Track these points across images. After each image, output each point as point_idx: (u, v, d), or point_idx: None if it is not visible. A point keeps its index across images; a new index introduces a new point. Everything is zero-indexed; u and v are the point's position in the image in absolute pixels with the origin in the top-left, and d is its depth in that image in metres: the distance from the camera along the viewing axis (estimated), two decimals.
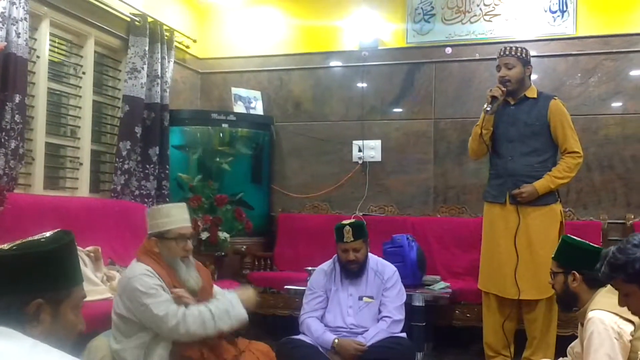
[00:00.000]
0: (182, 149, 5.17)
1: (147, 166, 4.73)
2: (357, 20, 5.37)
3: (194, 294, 2.86)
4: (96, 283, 3.42)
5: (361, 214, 5.22)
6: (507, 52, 3.79)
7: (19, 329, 1.33)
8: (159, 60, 4.79)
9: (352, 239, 3.46)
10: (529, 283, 3.62)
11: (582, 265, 2.52)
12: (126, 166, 4.50)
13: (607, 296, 2.39)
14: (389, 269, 3.60)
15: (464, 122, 5.01)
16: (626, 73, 4.85)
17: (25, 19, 3.62)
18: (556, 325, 3.74)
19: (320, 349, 3.39)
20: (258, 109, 5.56)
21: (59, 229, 1.51)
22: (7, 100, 3.54)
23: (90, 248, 3.57)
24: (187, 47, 5.51)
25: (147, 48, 4.65)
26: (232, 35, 5.75)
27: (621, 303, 2.07)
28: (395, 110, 5.39)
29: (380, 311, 3.52)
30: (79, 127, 4.35)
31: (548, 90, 4.73)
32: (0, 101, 3.53)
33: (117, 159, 4.50)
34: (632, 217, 4.65)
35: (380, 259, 3.70)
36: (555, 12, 4.99)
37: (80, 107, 4.35)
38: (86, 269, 3.41)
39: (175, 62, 5.12)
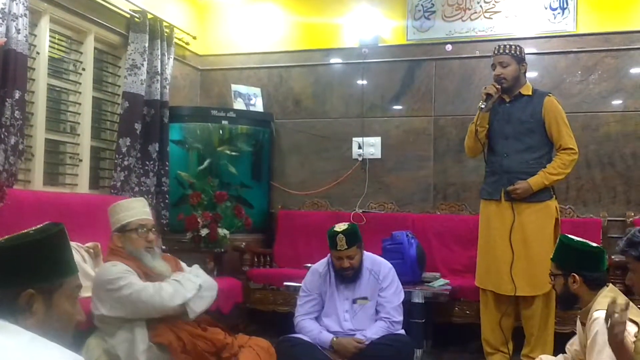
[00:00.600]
0: (181, 145, 5.15)
1: (147, 163, 4.72)
2: (357, 17, 5.37)
3: (165, 278, 2.96)
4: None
5: (361, 211, 5.22)
6: (501, 51, 3.81)
7: (12, 321, 1.34)
8: (159, 57, 4.78)
9: (345, 247, 3.38)
10: (525, 279, 3.63)
11: (581, 267, 2.51)
12: (126, 162, 4.50)
13: (610, 296, 2.38)
14: (385, 267, 3.55)
15: (464, 119, 4.99)
16: (626, 70, 4.85)
17: (25, 15, 3.62)
18: (554, 322, 3.75)
19: (319, 348, 3.38)
20: (258, 105, 5.55)
21: (48, 222, 1.52)
22: (7, 97, 3.53)
23: (89, 244, 3.57)
24: (187, 43, 5.50)
25: (147, 45, 4.65)
26: (232, 32, 5.74)
27: (628, 280, 2.11)
28: (395, 107, 5.39)
29: (377, 312, 3.48)
30: (79, 123, 4.35)
31: (548, 87, 4.74)
32: (0, 97, 3.53)
33: (116, 156, 4.50)
34: (632, 214, 4.65)
35: (376, 256, 3.65)
36: (555, 9, 4.99)
37: (80, 104, 4.35)
38: (85, 265, 3.42)
39: (175, 58, 5.12)
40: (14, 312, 1.38)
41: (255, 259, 5.10)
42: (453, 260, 4.81)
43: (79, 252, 3.45)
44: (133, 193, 4.57)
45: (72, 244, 3.43)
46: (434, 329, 4.33)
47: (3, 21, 3.49)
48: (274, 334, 3.77)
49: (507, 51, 3.78)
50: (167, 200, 4.87)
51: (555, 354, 3.21)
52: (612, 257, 3.59)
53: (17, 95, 3.57)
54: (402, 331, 3.49)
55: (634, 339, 2.34)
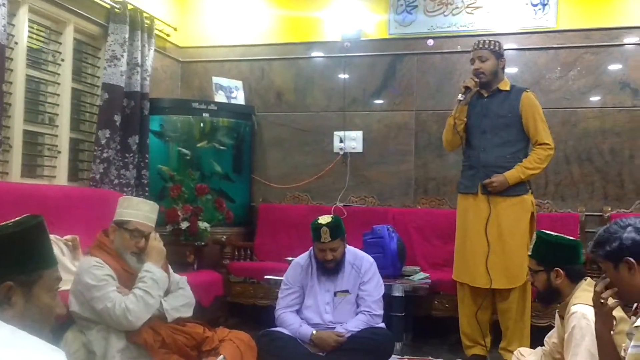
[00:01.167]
0: (161, 137, 5.11)
1: (127, 155, 4.68)
2: (340, 11, 5.36)
3: None
4: (74, 272, 3.35)
5: (342, 204, 5.23)
6: (481, 45, 3.86)
7: None
8: (139, 48, 4.74)
9: (329, 239, 3.39)
10: (500, 272, 3.67)
11: (563, 260, 2.54)
12: (105, 155, 4.45)
13: (588, 290, 2.41)
14: (366, 261, 3.56)
15: (445, 114, 4.94)
16: (606, 67, 4.90)
17: (3, 4, 3.56)
18: (530, 315, 3.79)
19: (299, 341, 3.38)
20: (239, 98, 5.53)
21: (27, 214, 1.51)
22: None
23: (68, 237, 3.53)
24: (168, 35, 5.46)
25: (127, 36, 4.60)
26: (213, 24, 5.70)
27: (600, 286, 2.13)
28: (377, 101, 5.40)
29: (358, 305, 3.50)
30: (58, 114, 4.29)
31: (528, 83, 4.80)
32: None
33: (96, 148, 4.45)
34: (610, 209, 4.71)
35: (357, 250, 3.66)
36: (536, 5, 5.02)
37: (58, 95, 4.29)
38: (64, 257, 3.38)
39: (155, 50, 5.07)
40: None
41: (236, 253, 5.08)
42: (433, 254, 4.83)
43: (57, 244, 3.42)
44: (112, 185, 4.53)
45: (51, 236, 3.41)
46: (414, 322, 4.36)
47: None
48: (255, 327, 3.77)
49: (486, 46, 3.82)
50: (147, 193, 4.83)
51: (532, 347, 3.25)
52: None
53: None
54: (383, 324, 3.50)
55: (612, 332, 2.38)
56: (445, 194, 5.12)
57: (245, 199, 5.48)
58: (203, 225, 4.64)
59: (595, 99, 4.92)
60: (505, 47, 4.60)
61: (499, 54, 3.85)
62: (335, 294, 3.49)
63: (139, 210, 2.93)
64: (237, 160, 5.42)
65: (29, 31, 4.04)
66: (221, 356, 2.77)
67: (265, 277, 4.34)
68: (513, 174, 3.73)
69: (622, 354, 2.01)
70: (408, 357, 3.88)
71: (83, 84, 4.65)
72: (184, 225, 4.55)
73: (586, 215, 4.73)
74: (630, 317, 2.07)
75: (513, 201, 3.76)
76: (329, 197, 5.36)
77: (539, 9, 5.01)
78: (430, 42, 5.23)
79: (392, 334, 3.57)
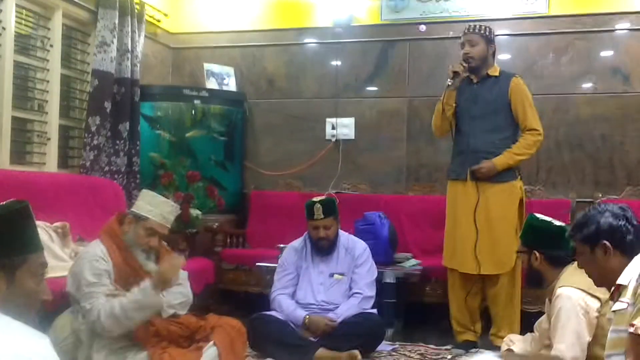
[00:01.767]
0: (152, 123, 5.08)
1: (117, 142, 4.65)
2: None
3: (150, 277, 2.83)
4: (63, 259, 3.37)
5: (334, 191, 5.22)
6: (471, 30, 3.85)
7: None
8: (129, 34, 4.69)
9: (322, 216, 3.48)
10: (488, 258, 3.69)
11: (542, 245, 2.57)
12: (95, 142, 4.43)
13: (574, 273, 2.44)
14: (360, 246, 3.62)
15: (437, 100, 4.98)
16: (597, 52, 4.90)
17: None
18: (520, 301, 3.81)
19: (292, 325, 3.40)
20: (231, 85, 5.50)
21: (12, 199, 1.50)
22: None
23: (57, 224, 3.51)
24: (159, 21, 5.41)
25: (116, 21, 4.55)
26: (204, 10, 5.66)
27: (579, 264, 2.17)
28: (369, 88, 5.38)
29: (350, 288, 3.55)
30: (47, 101, 4.25)
31: (520, 69, 4.78)
32: None
33: (86, 135, 4.42)
34: (600, 195, 4.71)
35: (351, 235, 3.72)
36: None
37: (47, 81, 4.25)
38: (53, 244, 3.37)
39: (146, 36, 5.03)
40: None
41: (228, 240, 5.08)
42: (425, 240, 4.84)
43: (47, 231, 3.40)
44: (103, 173, 4.51)
45: (40, 223, 3.39)
46: (406, 309, 4.37)
47: None
48: (246, 314, 3.76)
49: (476, 30, 3.82)
50: (137, 180, 4.82)
51: (523, 333, 3.27)
52: None
53: None
54: (374, 310, 3.53)
55: (597, 314, 2.40)
56: (437, 180, 5.12)
57: (238, 186, 5.47)
58: (195, 212, 4.62)
59: (586, 85, 4.91)
60: (497, 33, 4.59)
61: (489, 39, 3.85)
62: (331, 275, 3.55)
63: (157, 209, 2.88)
64: (229, 147, 5.39)
65: (17, 17, 4.00)
66: (211, 342, 2.77)
67: (257, 264, 4.34)
68: (501, 160, 3.74)
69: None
70: (399, 343, 3.89)
71: (73, 70, 4.61)
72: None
73: (577, 201, 4.73)
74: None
75: (502, 187, 3.77)
76: (321, 184, 5.35)
77: None
78: (423, 27, 5.21)
79: (383, 319, 3.60)
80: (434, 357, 3.67)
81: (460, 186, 3.86)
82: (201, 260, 4.52)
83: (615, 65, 4.86)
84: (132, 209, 2.93)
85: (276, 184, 5.46)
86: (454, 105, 3.87)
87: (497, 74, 3.86)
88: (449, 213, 3.97)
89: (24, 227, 1.49)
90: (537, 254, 2.64)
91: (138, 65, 4.81)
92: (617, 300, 1.91)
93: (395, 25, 5.29)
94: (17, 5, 3.97)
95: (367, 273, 3.57)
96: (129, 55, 4.70)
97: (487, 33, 3.83)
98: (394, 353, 3.68)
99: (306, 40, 5.51)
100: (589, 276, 2.18)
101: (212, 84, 5.36)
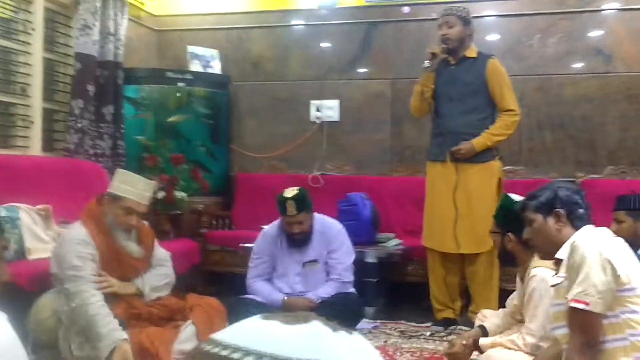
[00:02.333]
0: (136, 105, 5.08)
1: (101, 125, 4.67)
2: None
3: (132, 259, 2.92)
4: (46, 241, 3.41)
5: (319, 173, 5.26)
6: (448, 11, 3.91)
7: None
8: (112, 17, 4.69)
9: (295, 213, 3.46)
10: (468, 237, 3.74)
11: (516, 227, 2.61)
12: (79, 125, 4.44)
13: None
14: (334, 228, 3.63)
15: (415, 87, 5.03)
16: (580, 33, 4.92)
17: None
18: (498, 279, 3.87)
19: (271, 308, 3.44)
20: (216, 68, 5.50)
21: None
22: None
23: (40, 206, 3.54)
24: (142, 4, 5.40)
25: (98, 4, 4.54)
26: None
27: (526, 234, 2.25)
28: (354, 70, 5.40)
29: (328, 273, 3.56)
30: (29, 84, 4.26)
31: (503, 50, 4.81)
32: None
33: (69, 118, 4.44)
34: (582, 174, 4.78)
35: (326, 218, 3.72)
36: None
37: (30, 65, 4.26)
38: (36, 227, 3.40)
39: (129, 19, 5.02)
40: None
41: (214, 222, 5.12)
42: (408, 221, 4.88)
43: (29, 214, 3.43)
44: (88, 156, 4.52)
45: (22, 205, 3.45)
46: (388, 288, 4.43)
47: None
48: (231, 295, 3.81)
49: (453, 12, 3.87)
50: (122, 163, 4.83)
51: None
52: None
53: None
54: (353, 289, 3.57)
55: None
56: (420, 161, 5.11)
57: (223, 169, 5.49)
58: (180, 194, 4.65)
59: (569, 65, 4.94)
60: (480, 13, 4.64)
61: (466, 21, 3.87)
62: (303, 264, 3.55)
63: (135, 188, 2.89)
64: (214, 130, 5.41)
65: None
66: (189, 321, 2.82)
67: (241, 245, 4.39)
68: (480, 141, 3.78)
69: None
70: (380, 321, 3.95)
71: (56, 54, 4.61)
72: (160, 195, 4.55)
73: (559, 180, 4.77)
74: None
75: (480, 167, 3.82)
76: (306, 165, 5.38)
77: None
78: (406, 9, 5.22)
79: (363, 299, 3.64)
80: (413, 334, 3.74)
81: (439, 167, 3.91)
82: (186, 242, 4.56)
83: (597, 46, 4.89)
84: (108, 190, 2.95)
85: (261, 166, 5.49)
86: (432, 87, 3.91)
87: (474, 55, 3.90)
88: (428, 194, 4.02)
89: None
90: (511, 236, 2.68)
91: (121, 48, 4.81)
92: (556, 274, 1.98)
93: (379, 7, 5.30)
94: None
95: (344, 257, 3.58)
96: (112, 38, 4.70)
97: (464, 15, 3.87)
98: (374, 330, 3.75)
99: (291, 22, 5.52)
100: (535, 248, 2.25)
101: (196, 66, 5.36)
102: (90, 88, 4.51)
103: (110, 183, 3.01)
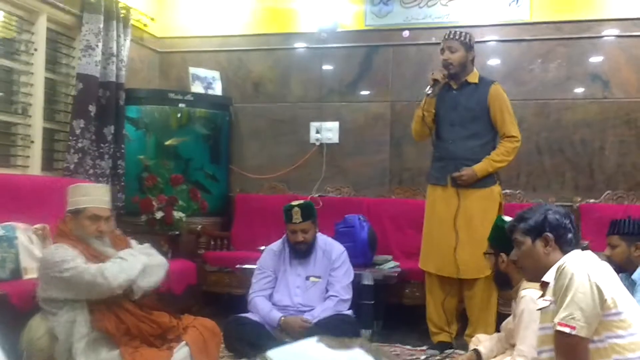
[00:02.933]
0: (137, 125, 5.12)
1: (102, 145, 4.70)
2: (317, 2, 5.38)
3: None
4: None
5: (318, 195, 5.28)
6: (451, 36, 3.89)
7: None
8: (115, 39, 4.74)
9: (300, 220, 3.54)
10: (468, 262, 3.72)
11: (509, 247, 2.62)
12: (80, 145, 4.47)
13: None
14: (337, 249, 3.68)
15: (416, 112, 5.06)
16: (577, 59, 4.95)
17: None
18: (496, 304, 3.86)
19: (267, 327, 3.45)
20: (217, 89, 5.55)
21: None
22: None
23: (37, 226, 3.56)
24: (145, 25, 5.46)
25: (101, 25, 4.60)
26: (191, 14, 5.71)
27: (513, 256, 2.25)
28: (353, 92, 5.44)
29: (327, 290, 3.60)
30: (31, 104, 4.30)
31: (502, 74, 4.85)
32: None
33: (70, 138, 4.47)
34: (579, 199, 4.79)
35: (329, 238, 3.77)
36: None
37: (32, 85, 4.30)
38: (32, 246, 3.41)
39: (132, 40, 5.08)
40: None
41: (212, 242, 5.12)
42: (406, 243, 4.88)
43: (26, 233, 3.44)
44: (87, 175, 4.54)
45: (20, 225, 3.46)
46: (385, 310, 4.42)
47: None
48: (228, 315, 3.80)
49: (456, 37, 3.86)
50: (122, 183, 4.86)
51: None
52: None
53: None
54: (350, 311, 3.57)
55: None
56: (419, 184, 5.16)
57: (223, 189, 5.51)
58: (178, 215, 4.67)
59: (568, 90, 4.97)
60: (479, 39, 4.67)
61: (468, 46, 3.89)
62: (307, 278, 3.60)
63: (91, 196, 2.97)
64: (214, 150, 5.44)
65: (1, 21, 4.05)
66: (183, 342, 2.82)
67: (237, 266, 4.39)
68: (482, 167, 3.79)
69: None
70: (377, 344, 3.92)
71: (57, 74, 4.66)
72: (159, 215, 4.57)
73: (557, 205, 4.77)
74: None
75: (482, 193, 3.82)
76: (306, 187, 5.40)
77: (513, 2, 5.05)
78: (406, 33, 5.27)
79: (359, 321, 3.64)
80: (409, 357, 3.72)
81: (440, 191, 3.91)
82: (183, 262, 4.56)
83: (595, 72, 4.92)
84: (67, 209, 3.00)
85: (261, 187, 5.51)
86: (433, 112, 3.92)
87: (476, 80, 3.91)
88: (427, 217, 4.02)
89: None
90: (504, 257, 2.70)
91: (123, 69, 4.86)
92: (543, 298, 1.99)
93: (379, 31, 5.35)
94: (1, 10, 4.02)
95: (343, 276, 3.62)
96: (114, 59, 4.74)
97: (467, 40, 3.88)
98: None
99: (292, 45, 5.57)
100: (523, 270, 2.26)
101: (197, 87, 5.41)
102: (92, 108, 4.55)
103: (67, 202, 3.05)
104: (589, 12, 4.93)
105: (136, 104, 5.13)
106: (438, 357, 3.70)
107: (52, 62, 4.58)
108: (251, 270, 4.08)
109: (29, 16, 4.30)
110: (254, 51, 5.63)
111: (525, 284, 2.56)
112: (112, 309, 2.82)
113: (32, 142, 4.30)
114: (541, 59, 5.02)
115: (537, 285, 2.47)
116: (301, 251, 3.62)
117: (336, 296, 3.56)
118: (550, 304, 1.99)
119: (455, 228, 3.78)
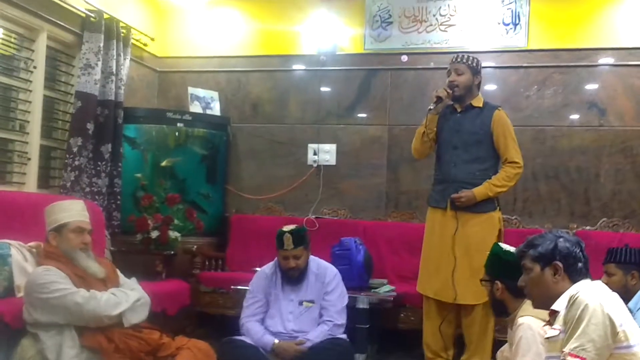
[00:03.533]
0: (135, 145, 5.12)
1: (99, 163, 4.69)
2: (316, 25, 5.43)
3: (99, 280, 3.01)
4: None
5: (314, 216, 5.27)
6: (459, 59, 3.93)
7: None
8: (114, 57, 4.76)
9: (292, 247, 3.48)
10: (466, 288, 3.71)
11: (504, 275, 2.62)
12: (77, 162, 4.46)
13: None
14: (330, 272, 3.63)
15: (418, 129, 5.08)
16: (574, 86, 4.99)
17: None
18: (493, 330, 3.83)
19: (261, 350, 3.42)
20: (215, 109, 5.56)
21: None
22: None
23: (32, 244, 3.52)
24: (145, 45, 5.49)
25: (102, 44, 4.62)
26: (191, 34, 5.75)
27: (521, 281, 2.22)
28: (351, 115, 5.46)
29: (321, 315, 3.55)
30: (28, 121, 4.30)
31: (499, 100, 4.85)
32: None
33: (67, 155, 4.46)
34: (575, 226, 4.79)
35: (322, 261, 3.73)
36: (508, 24, 5.12)
37: (30, 102, 4.30)
38: (27, 264, 3.37)
39: (132, 59, 5.10)
40: None
41: (207, 263, 5.09)
42: (402, 267, 4.87)
43: (20, 251, 3.42)
44: (84, 193, 4.53)
45: (14, 242, 3.44)
46: (381, 334, 4.39)
47: None
48: (222, 337, 3.78)
49: (464, 60, 3.90)
50: (118, 202, 4.85)
51: None
52: None
53: None
54: (344, 335, 3.54)
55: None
56: (416, 208, 5.17)
57: (219, 210, 5.50)
58: (173, 234, 4.65)
59: (563, 117, 5.00)
60: None
61: (475, 70, 3.92)
62: (300, 303, 3.55)
63: (71, 211, 3.09)
64: (211, 170, 5.43)
65: (1, 38, 4.06)
66: None
67: (232, 287, 4.36)
68: (481, 191, 3.79)
69: None
70: None
71: (56, 92, 4.67)
72: (154, 234, 4.55)
73: (559, 230, 4.78)
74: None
75: (481, 218, 3.82)
76: (302, 208, 5.40)
77: (511, 29, 5.10)
78: (405, 58, 5.31)
79: (354, 345, 3.61)
80: None
81: (439, 214, 3.90)
82: (177, 282, 4.53)
83: (591, 100, 4.96)
84: (49, 228, 3.08)
85: (257, 207, 5.50)
86: (434, 129, 3.94)
87: (480, 105, 3.92)
88: (426, 239, 4.01)
89: None
90: (499, 284, 2.69)
91: (122, 87, 4.87)
92: (551, 326, 1.97)
93: (378, 55, 5.39)
94: (1, 27, 4.03)
95: (337, 300, 3.58)
96: (114, 77, 4.76)
97: (474, 64, 3.91)
98: None
99: (291, 67, 5.60)
100: (530, 296, 2.24)
101: (196, 107, 5.42)
102: (90, 126, 4.55)
103: (46, 223, 3.13)
104: (585, 41, 4.98)
105: (134, 122, 5.13)
106: None
107: (51, 80, 4.59)
108: (246, 292, 4.06)
109: (29, 34, 4.32)
110: (253, 72, 5.65)
111: (522, 311, 2.55)
112: (101, 327, 2.84)
113: (29, 159, 4.30)
114: (538, 85, 5.06)
115: (535, 312, 2.47)
116: (293, 277, 3.58)
117: (331, 321, 3.51)
118: (560, 333, 1.96)
119: (454, 252, 3.77)
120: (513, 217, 4.91)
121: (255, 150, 5.59)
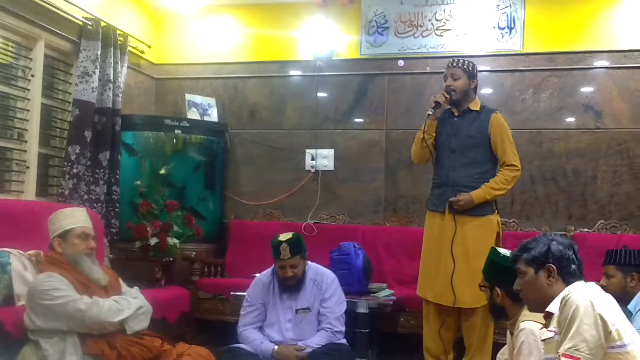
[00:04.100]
0: (133, 152, 5.12)
1: (97, 171, 4.70)
2: (313, 31, 5.45)
3: (102, 288, 3.02)
4: None
5: (312, 221, 5.28)
6: (455, 64, 3.94)
7: None
8: (112, 65, 4.77)
9: (289, 256, 3.44)
10: (465, 291, 3.71)
11: (502, 280, 2.62)
12: (75, 170, 4.47)
13: None
14: (328, 277, 3.61)
15: (415, 133, 5.06)
16: (570, 89, 5.02)
17: None
18: (493, 333, 3.84)
19: (261, 358, 3.41)
20: (213, 116, 5.58)
21: None
22: None
23: (31, 252, 3.53)
24: (142, 52, 5.51)
25: (99, 52, 4.63)
26: (188, 41, 5.77)
27: (517, 286, 2.26)
28: (349, 120, 5.47)
29: (320, 322, 3.53)
30: (27, 130, 4.31)
31: (496, 104, 4.88)
32: None
33: (65, 163, 4.46)
34: (573, 228, 4.80)
35: (320, 266, 3.70)
36: (503, 28, 5.14)
37: (28, 110, 4.31)
38: (26, 272, 3.37)
39: (129, 67, 5.11)
40: None
41: (206, 269, 5.09)
42: (401, 271, 4.88)
43: (20, 259, 3.42)
44: (82, 201, 4.53)
45: (13, 251, 3.44)
46: (380, 339, 4.40)
47: None
48: (222, 343, 3.78)
49: (460, 65, 3.91)
50: (117, 209, 4.85)
51: None
52: None
53: None
54: (344, 340, 3.53)
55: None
56: (414, 212, 5.19)
57: (218, 216, 5.50)
58: (172, 241, 4.65)
59: (559, 120, 5.03)
60: None
61: (471, 74, 3.93)
62: (297, 311, 3.52)
63: (75, 217, 3.12)
64: (209, 177, 5.44)
65: None
66: None
67: (232, 293, 4.36)
68: (479, 194, 3.80)
69: None
70: None
71: (54, 100, 4.67)
72: (153, 241, 4.56)
73: (552, 233, 4.79)
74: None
75: (479, 221, 3.82)
76: (301, 214, 5.41)
77: (506, 33, 5.13)
78: (401, 62, 5.33)
79: (354, 349, 3.61)
80: None
81: (438, 218, 3.91)
82: (176, 289, 4.53)
83: (587, 102, 4.98)
84: (54, 236, 3.10)
85: (256, 213, 5.50)
86: (433, 135, 3.95)
87: (477, 108, 3.94)
88: (425, 243, 4.01)
89: None
90: (499, 291, 2.68)
91: (120, 95, 4.88)
92: (547, 329, 1.98)
93: (374, 60, 5.40)
94: None
95: (336, 306, 3.54)
96: (111, 85, 4.77)
97: (470, 68, 3.92)
98: None
99: (288, 73, 5.62)
100: (525, 300, 2.25)
101: (193, 114, 5.43)
102: (88, 134, 4.56)
103: (50, 231, 3.16)
104: (580, 44, 5.00)
105: (132, 130, 5.14)
106: None
107: (49, 88, 4.59)
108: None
109: (26, 42, 4.33)
110: (250, 78, 5.67)
111: (523, 315, 2.55)
112: (103, 334, 2.84)
113: (27, 167, 4.30)
114: (534, 89, 5.08)
115: (536, 316, 2.48)
116: (290, 285, 3.56)
117: (330, 328, 3.49)
118: (555, 335, 1.98)
119: (453, 255, 3.77)
120: (511, 220, 4.93)
121: (253, 156, 5.60)
